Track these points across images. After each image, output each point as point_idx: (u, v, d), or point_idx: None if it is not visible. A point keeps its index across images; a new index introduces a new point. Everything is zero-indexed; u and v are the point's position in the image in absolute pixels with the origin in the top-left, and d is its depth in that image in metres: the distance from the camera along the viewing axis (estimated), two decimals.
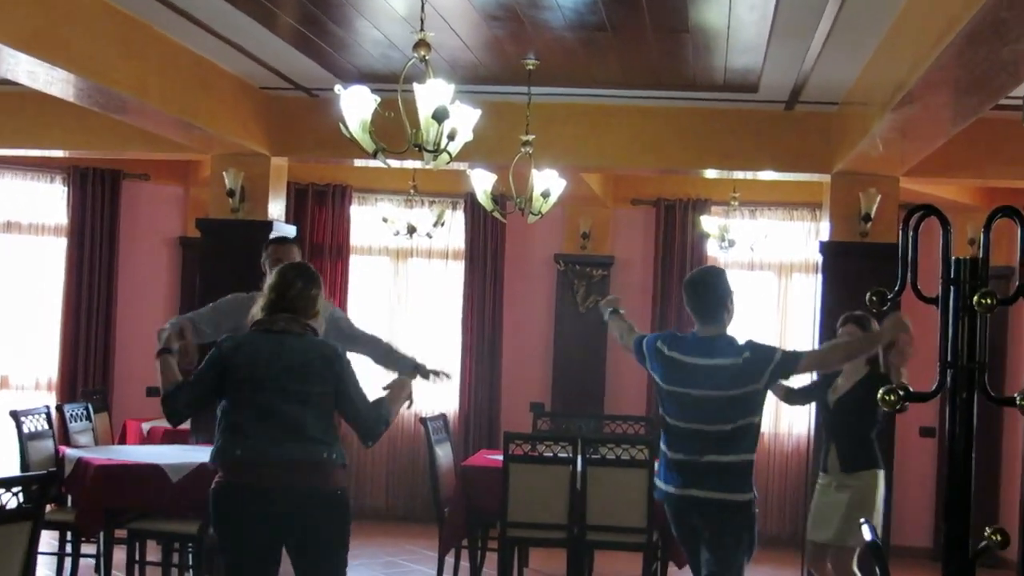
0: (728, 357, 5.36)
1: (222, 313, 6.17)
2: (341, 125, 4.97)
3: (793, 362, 5.40)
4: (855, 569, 6.76)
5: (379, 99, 5.02)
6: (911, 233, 2.56)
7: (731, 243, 10.21)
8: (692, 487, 5.38)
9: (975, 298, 2.33)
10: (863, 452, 6.70)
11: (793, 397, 7.11)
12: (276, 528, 4.82)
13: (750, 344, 5.43)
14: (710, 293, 5.49)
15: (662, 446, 5.59)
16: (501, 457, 7.50)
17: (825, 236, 8.64)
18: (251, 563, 4.88)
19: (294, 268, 5.10)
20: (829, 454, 6.80)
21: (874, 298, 2.53)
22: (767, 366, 5.32)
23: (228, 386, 4.86)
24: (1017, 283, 2.50)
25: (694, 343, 5.49)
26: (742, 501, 5.37)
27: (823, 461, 6.88)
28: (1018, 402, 2.35)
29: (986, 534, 2.33)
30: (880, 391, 2.40)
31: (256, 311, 5.00)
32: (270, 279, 5.03)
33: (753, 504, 5.44)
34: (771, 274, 10.90)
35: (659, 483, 5.64)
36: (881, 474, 6.76)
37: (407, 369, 6.02)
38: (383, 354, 6.32)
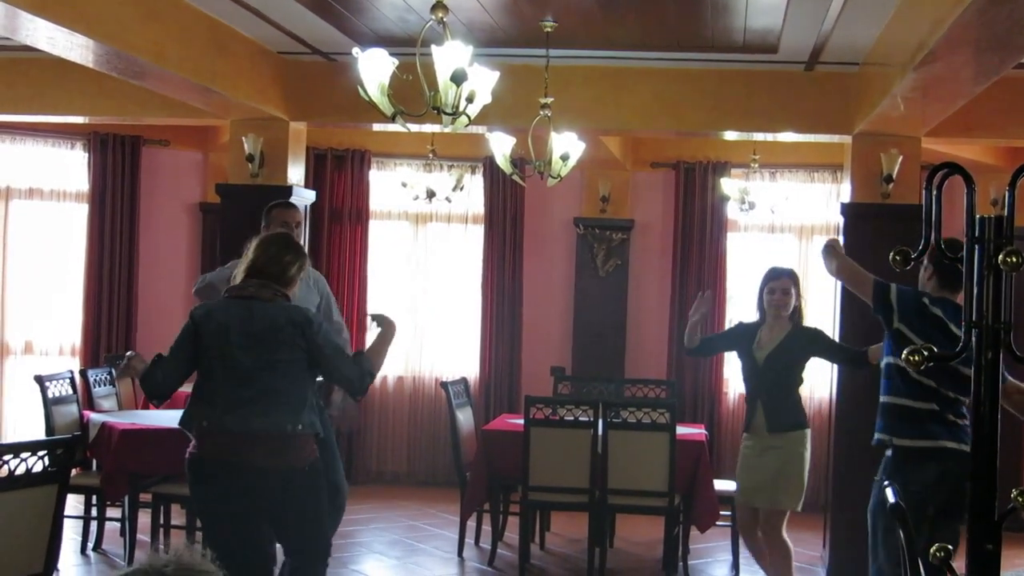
0: None
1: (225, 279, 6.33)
2: (359, 88, 4.95)
3: None
4: (785, 532, 6.74)
5: (397, 62, 5.00)
6: (935, 192, 2.54)
7: (751, 206, 10.17)
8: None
9: (1000, 257, 2.30)
10: (791, 412, 6.68)
11: (698, 349, 7.19)
12: (249, 501, 4.80)
13: None
14: None
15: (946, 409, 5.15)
16: (522, 421, 7.52)
17: (846, 198, 8.59)
18: (231, 534, 4.85)
19: (272, 236, 5.16)
20: (756, 414, 6.70)
21: (897, 257, 2.51)
22: None
23: (200, 354, 4.87)
24: None
25: (955, 312, 5.04)
26: None
27: (748, 422, 6.80)
28: None
29: (1012, 495, 2.32)
30: (905, 351, 2.38)
31: (235, 278, 5.02)
32: (248, 246, 5.02)
33: None
34: (792, 237, 10.87)
35: (949, 442, 5.10)
36: (808, 433, 6.76)
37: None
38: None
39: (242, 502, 4.80)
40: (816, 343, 6.78)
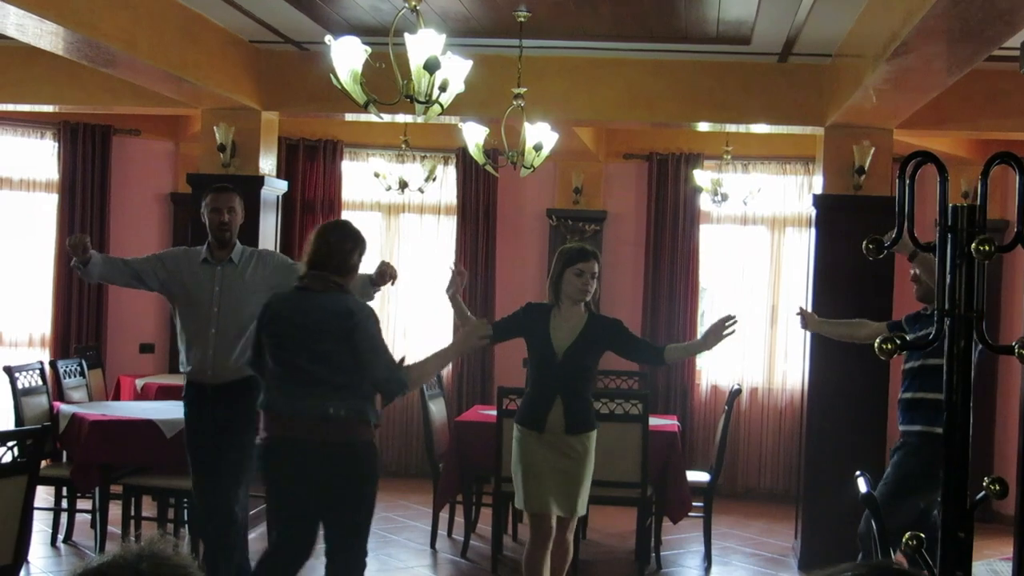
0: None
1: (162, 262, 6.37)
2: (332, 76, 4.93)
3: None
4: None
5: (369, 50, 4.98)
6: (908, 181, 2.53)
7: (724, 197, 10.18)
8: None
9: (973, 245, 2.30)
10: (588, 411, 6.05)
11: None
12: (302, 483, 5.04)
13: None
14: None
15: None
16: (495, 412, 7.51)
17: (818, 189, 8.62)
18: (286, 515, 5.16)
19: (330, 225, 5.37)
20: (551, 412, 5.91)
21: (871, 246, 2.51)
22: None
23: (261, 340, 5.19)
24: (1015, 231, 2.48)
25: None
26: None
27: (538, 419, 5.94)
28: (1016, 351, 2.33)
29: (984, 484, 2.33)
30: (877, 340, 2.38)
31: (299, 269, 5.32)
32: (309, 238, 5.24)
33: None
34: (764, 228, 10.88)
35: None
36: (595, 434, 6.08)
37: (367, 286, 6.02)
38: None
39: (293, 482, 5.06)
40: (618, 335, 6.12)
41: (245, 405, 5.99)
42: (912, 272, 6.14)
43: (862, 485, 3.46)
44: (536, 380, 6.07)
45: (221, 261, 6.28)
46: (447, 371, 10.76)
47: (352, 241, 5.16)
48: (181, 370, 6.43)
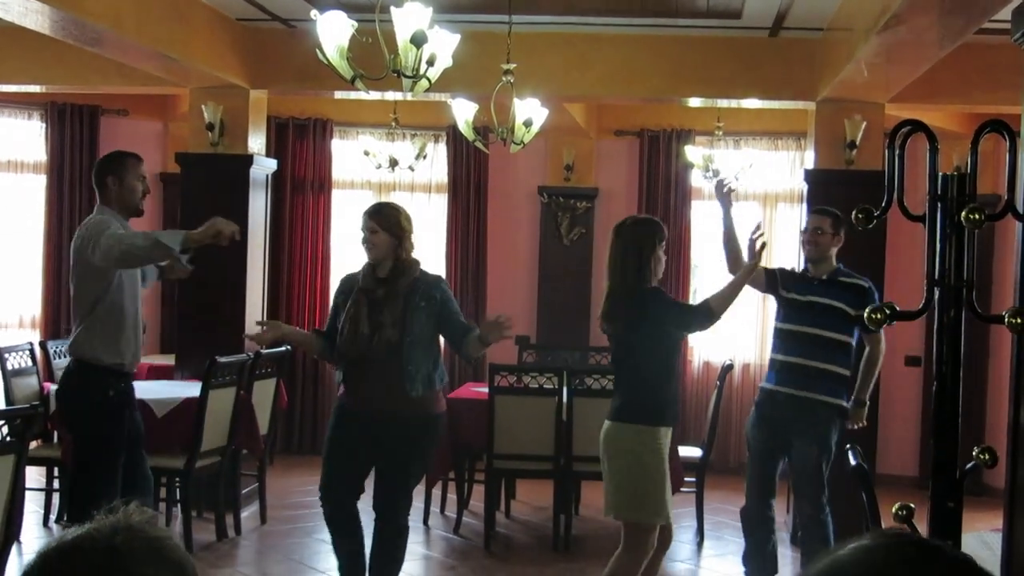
0: None
1: None
2: (318, 51, 4.88)
3: None
4: None
5: (356, 25, 4.94)
6: (897, 150, 2.51)
7: (715, 173, 10.14)
8: None
9: (963, 214, 2.29)
10: None
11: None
12: None
13: None
14: None
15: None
16: (487, 389, 7.52)
17: (810, 164, 8.60)
18: None
19: None
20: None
21: (860, 215, 2.49)
22: None
23: None
24: (1005, 200, 2.47)
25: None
26: None
27: (669, 414, 5.57)
28: (1006, 320, 2.32)
29: (974, 453, 2.32)
30: (867, 309, 2.36)
31: None
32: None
33: None
34: (756, 204, 10.85)
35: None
36: None
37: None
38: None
39: None
40: None
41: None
42: (815, 227, 6.46)
43: (852, 458, 3.44)
44: (673, 369, 5.66)
45: None
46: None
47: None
48: (107, 361, 5.85)
